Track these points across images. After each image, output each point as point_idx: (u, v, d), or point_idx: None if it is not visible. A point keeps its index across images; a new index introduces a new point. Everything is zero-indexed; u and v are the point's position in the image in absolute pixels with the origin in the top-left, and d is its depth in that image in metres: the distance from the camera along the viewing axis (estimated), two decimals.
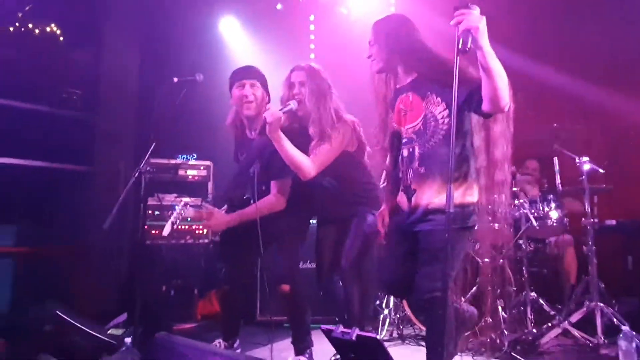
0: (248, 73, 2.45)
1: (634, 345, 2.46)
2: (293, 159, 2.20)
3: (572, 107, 3.59)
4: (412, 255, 1.87)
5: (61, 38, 4.37)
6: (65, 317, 2.00)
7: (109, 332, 2.93)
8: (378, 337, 1.32)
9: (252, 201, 2.36)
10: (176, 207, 2.40)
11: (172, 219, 2.32)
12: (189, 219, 2.35)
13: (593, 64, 3.67)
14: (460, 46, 1.51)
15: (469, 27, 1.51)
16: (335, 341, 1.41)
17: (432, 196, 1.81)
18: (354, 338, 1.33)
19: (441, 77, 1.75)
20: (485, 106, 1.67)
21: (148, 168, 2.33)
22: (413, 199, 1.86)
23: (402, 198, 1.93)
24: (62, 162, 4.01)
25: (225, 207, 2.50)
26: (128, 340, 2.19)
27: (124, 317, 3.08)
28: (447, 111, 1.80)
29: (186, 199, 2.47)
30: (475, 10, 1.55)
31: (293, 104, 2.27)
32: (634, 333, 2.49)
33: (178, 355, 1.32)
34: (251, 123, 2.47)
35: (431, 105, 1.84)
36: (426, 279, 1.74)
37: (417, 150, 1.87)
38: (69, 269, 3.67)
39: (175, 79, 2.45)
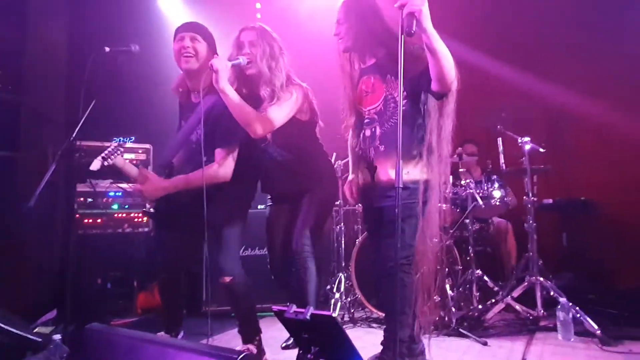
0: (189, 27, 2.24)
1: (570, 315, 2.60)
2: (242, 112, 2.05)
3: (512, 89, 3.71)
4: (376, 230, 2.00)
5: None
6: None
7: (36, 329, 2.68)
8: (333, 314, 1.25)
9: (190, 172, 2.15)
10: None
11: (102, 154, 2.09)
12: (110, 162, 2.11)
13: (530, 47, 3.81)
14: (406, 30, 1.55)
15: (412, 10, 1.55)
16: (287, 322, 1.33)
17: (392, 173, 1.89)
18: (308, 317, 1.25)
19: (393, 62, 1.76)
20: (434, 85, 1.76)
21: (77, 146, 2.09)
22: (375, 176, 1.97)
23: (365, 175, 2.03)
24: None
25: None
26: (57, 337, 1.98)
27: (53, 313, 2.82)
28: (404, 93, 1.86)
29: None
30: None
31: (242, 60, 2.12)
32: (570, 304, 2.63)
33: (110, 346, 1.18)
34: (194, 83, 2.24)
35: (391, 87, 1.93)
36: (389, 249, 1.87)
37: (378, 130, 1.96)
38: None
39: (107, 49, 2.22)
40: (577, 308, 2.63)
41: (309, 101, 2.36)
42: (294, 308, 1.30)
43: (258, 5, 4.66)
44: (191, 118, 2.22)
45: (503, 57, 3.81)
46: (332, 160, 3.47)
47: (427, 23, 1.59)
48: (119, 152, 2.13)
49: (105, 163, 2.12)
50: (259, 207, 3.48)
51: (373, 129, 1.97)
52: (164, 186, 2.15)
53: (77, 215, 3.26)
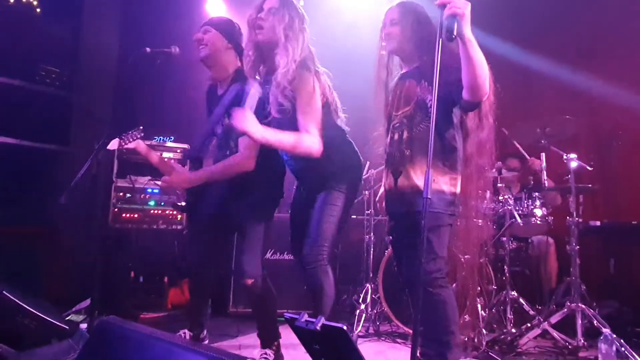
0: (204, 23, 2.37)
1: (614, 348, 2.40)
2: (286, 146, 1.96)
3: (560, 103, 3.51)
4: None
5: (38, 10, 4.20)
6: (11, 297, 1.84)
7: (69, 317, 2.79)
8: (344, 327, 1.20)
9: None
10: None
11: (121, 135, 2.19)
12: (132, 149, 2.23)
13: (584, 60, 3.58)
14: (446, 32, 1.48)
15: (455, 12, 1.48)
16: (298, 330, 1.30)
17: (416, 179, 1.83)
18: (318, 328, 1.21)
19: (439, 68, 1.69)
20: (465, 94, 1.69)
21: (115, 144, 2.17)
22: (399, 181, 1.90)
23: (389, 180, 1.96)
24: (37, 140, 3.85)
25: None
26: (83, 326, 2.05)
27: (87, 302, 2.93)
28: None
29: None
30: None
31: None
32: (615, 336, 2.43)
33: (121, 340, 1.19)
34: (215, 72, 2.35)
35: (424, 92, 1.87)
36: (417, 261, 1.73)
37: (405, 134, 1.90)
38: (37, 251, 3.52)
39: (148, 50, 2.29)
40: (622, 341, 2.43)
41: (320, 84, 2.10)
42: (306, 317, 1.27)
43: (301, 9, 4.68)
44: (216, 110, 2.26)
45: (551, 69, 3.62)
46: (365, 170, 3.42)
47: (467, 28, 1.53)
48: (138, 136, 2.20)
49: (123, 144, 2.18)
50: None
51: (401, 133, 1.92)
52: (189, 178, 2.19)
53: (116, 210, 3.37)
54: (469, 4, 1.52)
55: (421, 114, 1.87)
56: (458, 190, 1.88)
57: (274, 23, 2.04)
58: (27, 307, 1.86)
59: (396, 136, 1.94)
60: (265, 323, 2.24)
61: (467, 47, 1.55)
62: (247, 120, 1.84)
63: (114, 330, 1.31)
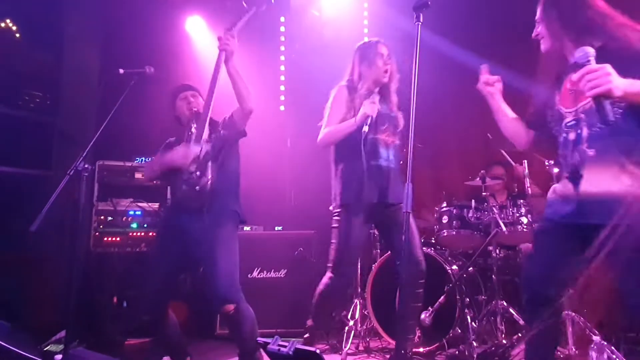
0: (189, 87, 2.62)
1: (605, 356, 2.36)
2: None
3: None
4: (575, 253, 1.60)
5: (17, 35, 4.18)
6: None
7: (48, 347, 2.71)
8: (318, 351, 1.16)
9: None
10: None
11: None
12: None
13: None
14: (603, 119, 1.38)
15: (598, 92, 1.36)
16: (271, 355, 1.25)
17: (608, 184, 1.53)
18: (291, 352, 1.16)
19: (615, 52, 1.53)
20: None
21: (86, 166, 2.12)
22: (581, 186, 1.61)
23: (565, 185, 1.68)
24: (19, 165, 3.79)
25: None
26: (58, 357, 1.97)
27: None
28: None
29: None
30: (593, 60, 1.41)
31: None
32: (605, 344, 2.39)
33: None
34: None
35: None
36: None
37: (585, 131, 1.62)
38: (19, 278, 3.43)
39: (121, 71, 2.27)
40: (613, 348, 2.38)
41: None
42: (279, 341, 1.22)
43: (282, 29, 4.71)
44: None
45: (528, 72, 3.63)
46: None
47: (623, 90, 1.37)
48: None
49: None
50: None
51: (579, 131, 1.64)
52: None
53: (97, 234, 3.31)
54: (611, 69, 1.36)
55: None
56: None
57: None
58: None
59: (572, 135, 1.66)
60: (246, 347, 2.18)
61: (632, 101, 1.44)
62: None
63: None
